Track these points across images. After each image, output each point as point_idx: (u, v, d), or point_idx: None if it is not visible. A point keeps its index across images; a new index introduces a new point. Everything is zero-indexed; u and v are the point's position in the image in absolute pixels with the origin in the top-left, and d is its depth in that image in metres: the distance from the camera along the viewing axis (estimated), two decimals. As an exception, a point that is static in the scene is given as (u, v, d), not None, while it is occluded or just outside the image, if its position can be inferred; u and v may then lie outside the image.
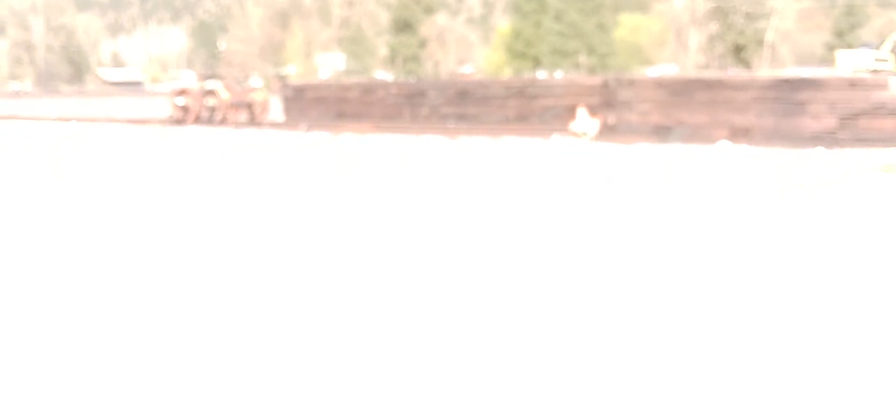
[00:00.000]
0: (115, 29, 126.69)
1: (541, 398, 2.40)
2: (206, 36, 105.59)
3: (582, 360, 2.71)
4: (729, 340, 2.91)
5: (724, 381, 2.51)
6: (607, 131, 13.79)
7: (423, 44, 64.83)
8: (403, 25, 63.88)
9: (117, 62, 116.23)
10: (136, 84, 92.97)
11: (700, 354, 2.76)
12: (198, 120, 20.96)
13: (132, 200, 6.96)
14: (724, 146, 11.66)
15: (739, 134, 12.59)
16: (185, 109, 21.16)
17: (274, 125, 19.40)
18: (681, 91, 13.61)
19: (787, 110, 12.34)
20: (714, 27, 51.64)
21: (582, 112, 13.95)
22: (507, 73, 55.70)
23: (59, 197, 7.29)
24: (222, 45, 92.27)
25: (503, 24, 69.59)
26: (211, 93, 21.08)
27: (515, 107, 15.75)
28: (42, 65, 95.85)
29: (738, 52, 48.72)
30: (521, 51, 55.41)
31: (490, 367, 2.67)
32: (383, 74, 64.39)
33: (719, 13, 53.11)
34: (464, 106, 16.73)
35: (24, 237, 5.36)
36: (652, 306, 3.34)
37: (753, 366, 2.62)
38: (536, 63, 54.57)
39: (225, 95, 20.99)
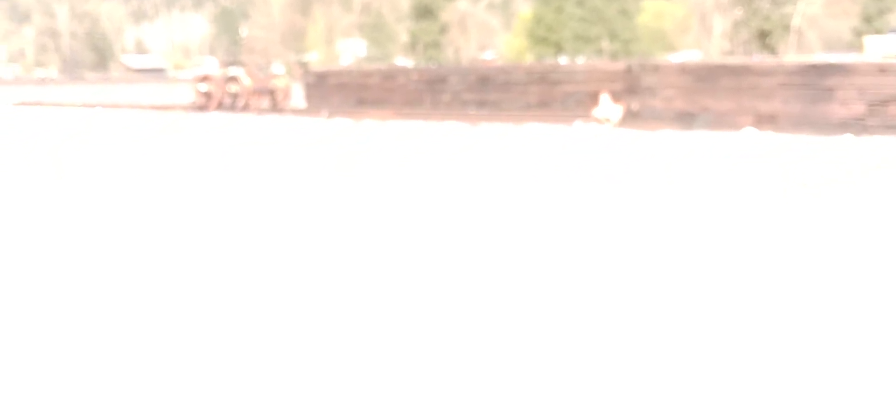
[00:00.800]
0: (138, 16, 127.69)
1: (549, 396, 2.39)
2: (227, 23, 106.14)
3: (586, 357, 2.69)
4: (731, 344, 2.87)
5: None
6: (630, 117, 13.67)
7: (443, 30, 64.67)
8: (424, 11, 63.73)
9: (140, 49, 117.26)
10: (159, 71, 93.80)
11: (705, 355, 2.72)
12: (220, 106, 21.09)
13: (158, 190, 7.01)
14: (750, 133, 11.51)
15: (765, 120, 12.42)
16: (207, 96, 21.29)
17: (296, 112, 19.47)
18: (705, 77, 13.44)
19: (814, 96, 12.13)
20: (739, 13, 50.91)
21: (605, 98, 13.84)
22: (528, 59, 55.41)
23: (79, 186, 7.37)
24: (244, 31, 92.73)
25: (525, 9, 69.18)
26: (233, 79, 21.19)
27: (537, 93, 15.64)
28: (67, 52, 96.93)
29: (764, 38, 48.02)
30: (543, 36, 55.05)
31: (503, 367, 2.65)
32: (403, 61, 64.35)
33: (744, -2, 52.39)
34: (485, 92, 16.66)
35: (40, 222, 5.43)
36: (664, 303, 3.31)
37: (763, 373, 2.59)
38: (558, 49, 54.22)
39: (247, 82, 21.09)
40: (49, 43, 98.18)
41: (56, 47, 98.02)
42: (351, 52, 73.71)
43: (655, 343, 2.74)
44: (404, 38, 69.27)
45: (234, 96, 21.08)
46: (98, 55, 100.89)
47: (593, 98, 14.11)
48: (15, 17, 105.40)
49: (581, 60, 48.74)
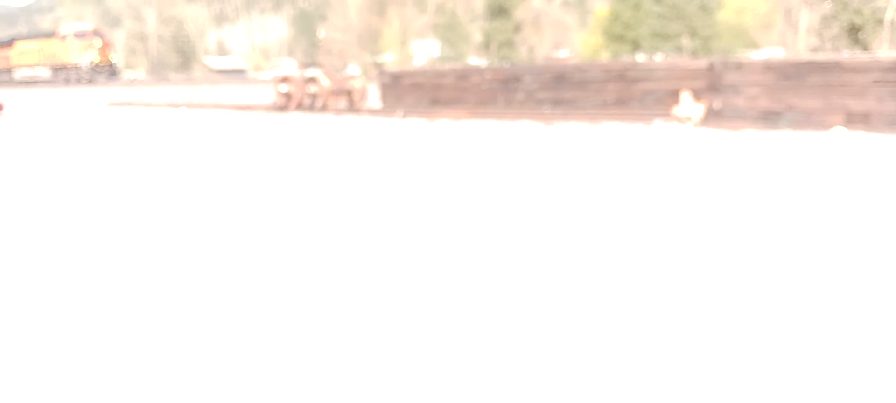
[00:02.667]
0: (220, 18, 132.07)
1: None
2: (305, 25, 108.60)
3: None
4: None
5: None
6: (712, 116, 13.29)
7: (517, 28, 64.35)
8: (498, 10, 63.58)
9: (222, 50, 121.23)
10: (240, 72, 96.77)
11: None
12: (300, 106, 21.56)
13: (259, 188, 7.21)
14: (840, 133, 11.03)
15: (857, 120, 11.86)
16: (288, 96, 21.79)
17: (371, 112, 19.75)
18: (792, 74, 12.94)
19: (911, 94, 11.52)
20: (828, 7, 48.79)
21: (686, 96, 13.50)
22: (604, 57, 54.56)
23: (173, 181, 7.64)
24: (321, 33, 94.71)
25: (600, 6, 68.18)
26: (312, 80, 21.63)
27: (615, 91, 15.37)
28: (154, 54, 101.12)
29: (855, 33, 45.88)
30: (620, 34, 54.10)
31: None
32: (476, 60, 64.37)
33: (834, -9, 50.09)
34: (560, 90, 16.46)
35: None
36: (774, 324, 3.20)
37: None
38: (635, 46, 53.18)
39: (326, 83, 21.49)
40: (138, 46, 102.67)
41: (144, 50, 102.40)
42: (425, 53, 74.22)
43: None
44: (478, 37, 69.27)
45: (313, 97, 21.51)
46: (182, 57, 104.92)
47: (673, 96, 13.77)
48: (107, 21, 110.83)
49: (659, 58, 47.68)
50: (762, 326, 2.89)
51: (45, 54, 51.43)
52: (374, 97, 22.57)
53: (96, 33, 51.78)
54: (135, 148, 11.67)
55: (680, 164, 7.75)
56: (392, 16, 75.85)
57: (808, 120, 12.32)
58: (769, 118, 12.76)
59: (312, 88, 21.52)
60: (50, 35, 53.09)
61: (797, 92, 12.73)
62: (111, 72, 51.17)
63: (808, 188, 6.02)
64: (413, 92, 19.85)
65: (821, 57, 13.39)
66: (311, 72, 22.28)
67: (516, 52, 63.15)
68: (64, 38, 50.91)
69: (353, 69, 24.13)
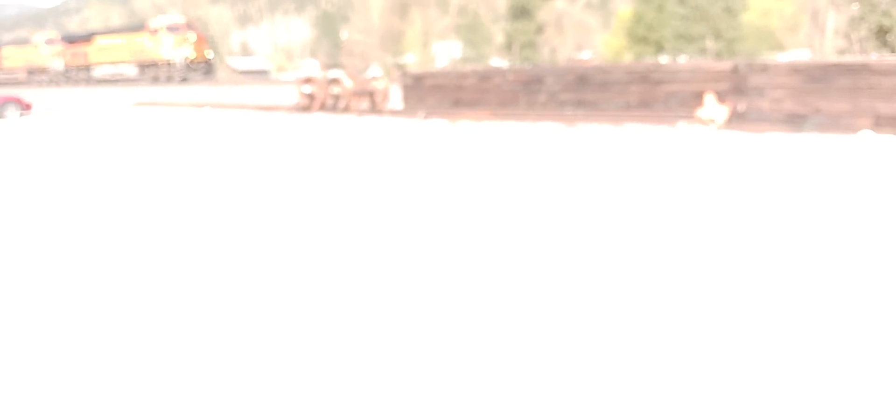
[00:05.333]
0: (244, 19, 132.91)
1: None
2: (328, 26, 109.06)
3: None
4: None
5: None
6: (737, 119, 13.17)
7: (540, 29, 64.05)
8: (520, 11, 63.32)
9: (245, 51, 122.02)
10: (263, 72, 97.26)
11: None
12: (323, 107, 21.68)
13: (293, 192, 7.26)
14: (867, 137, 10.88)
15: (885, 123, 11.69)
16: (311, 97, 21.93)
17: (393, 113, 19.80)
18: (819, 77, 12.78)
19: (941, 97, 11.33)
20: (855, 8, 48.06)
21: (709, 99, 13.39)
22: (627, 59, 54.23)
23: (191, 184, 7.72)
24: (344, 34, 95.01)
25: (623, 8, 67.75)
26: (335, 81, 21.75)
27: (638, 93, 15.27)
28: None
29: (883, 35, 45.18)
30: (643, 35, 53.65)
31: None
32: (498, 62, 64.24)
33: (862, -8, 49.29)
34: (583, 92, 16.39)
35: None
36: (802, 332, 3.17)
37: None
38: (659, 48, 52.70)
39: (348, 84, 21.59)
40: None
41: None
42: (446, 54, 74.26)
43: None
44: (500, 38, 69.09)
45: (336, 98, 21.64)
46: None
47: (697, 98, 13.66)
48: (134, 22, 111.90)
49: (682, 60, 47.27)
50: (789, 324, 2.87)
51: (131, 50, 46.46)
52: (396, 98, 22.64)
53: (190, 26, 46.32)
54: (160, 149, 11.80)
55: (703, 168, 7.70)
56: (414, 17, 75.99)
57: (834, 123, 12.15)
58: (795, 121, 12.61)
59: (335, 89, 21.64)
60: (137, 29, 47.75)
61: (824, 94, 12.57)
62: (207, 69, 46.01)
63: (834, 192, 5.96)
64: (435, 93, 19.88)
65: (848, 59, 13.24)
66: (333, 73, 22.41)
67: (538, 54, 62.90)
68: (155, 31, 45.67)
69: (376, 70, 24.18)
